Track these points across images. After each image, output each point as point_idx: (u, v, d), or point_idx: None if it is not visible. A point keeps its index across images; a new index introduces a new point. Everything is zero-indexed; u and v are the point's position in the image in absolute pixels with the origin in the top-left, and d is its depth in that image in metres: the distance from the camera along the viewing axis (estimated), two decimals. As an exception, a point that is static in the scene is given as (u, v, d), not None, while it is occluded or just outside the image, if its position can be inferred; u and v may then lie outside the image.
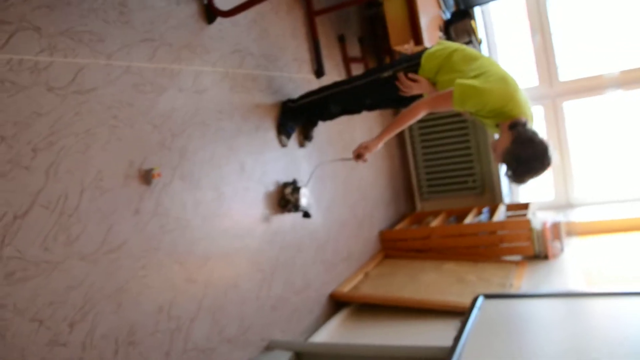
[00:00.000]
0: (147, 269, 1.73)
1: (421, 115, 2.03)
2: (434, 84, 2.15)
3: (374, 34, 3.88)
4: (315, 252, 2.80)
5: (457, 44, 2.15)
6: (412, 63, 2.21)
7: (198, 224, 1.99)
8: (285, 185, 2.50)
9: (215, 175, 2.12)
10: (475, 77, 1.92)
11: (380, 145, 2.19)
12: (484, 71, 1.92)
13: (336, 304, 2.91)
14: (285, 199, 2.46)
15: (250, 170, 2.35)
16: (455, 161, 4.16)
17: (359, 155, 2.24)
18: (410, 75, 2.18)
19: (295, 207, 2.46)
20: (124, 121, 1.71)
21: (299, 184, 2.54)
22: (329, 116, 2.65)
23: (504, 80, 1.86)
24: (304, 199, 2.48)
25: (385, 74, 2.27)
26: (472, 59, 2.03)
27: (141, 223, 1.73)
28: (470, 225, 3.41)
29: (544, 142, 1.79)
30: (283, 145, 2.60)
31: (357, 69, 3.59)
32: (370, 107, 2.55)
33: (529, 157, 1.77)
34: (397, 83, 2.22)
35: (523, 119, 1.84)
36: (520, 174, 1.80)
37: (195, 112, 2.05)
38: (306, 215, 2.54)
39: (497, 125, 1.91)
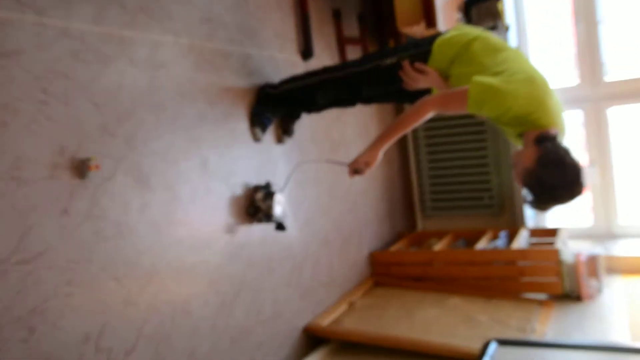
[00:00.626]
0: (74, 285, 1.68)
1: (428, 116, 2.00)
2: (445, 77, 2.13)
3: (377, 12, 3.87)
4: (289, 274, 2.78)
5: (479, 30, 2.13)
6: (422, 50, 2.19)
7: (143, 232, 1.95)
8: (257, 189, 2.46)
9: (170, 172, 2.08)
10: (497, 74, 1.89)
11: (381, 155, 2.14)
12: (508, 67, 1.89)
13: (312, 339, 2.89)
14: (254, 205, 2.42)
15: (214, 167, 2.31)
16: (467, 172, 4.16)
17: (356, 171, 2.19)
18: (417, 65, 2.16)
19: (267, 216, 2.43)
20: (56, 96, 1.66)
21: (273, 188, 2.49)
22: (315, 108, 2.63)
23: (533, 81, 1.83)
24: (279, 207, 2.44)
25: (388, 62, 2.25)
26: (495, 50, 2.01)
27: (70, 227, 1.68)
28: (483, 251, 3.40)
29: (577, 164, 1.77)
30: (256, 139, 2.56)
31: (353, 53, 3.57)
32: (367, 100, 2.52)
33: (555, 183, 1.75)
34: (400, 73, 2.19)
35: (553, 131, 1.81)
36: (542, 202, 1.80)
37: (149, 92, 2.01)
38: (280, 227, 2.50)
39: (520, 135, 1.89)
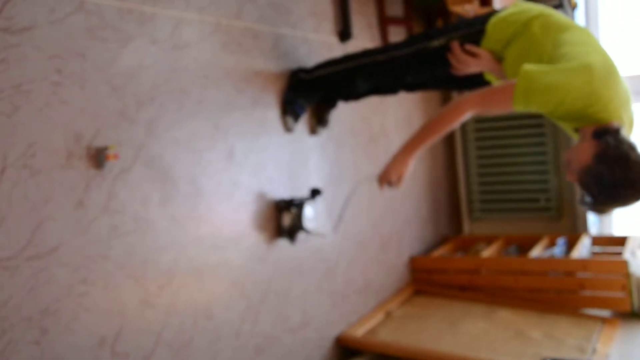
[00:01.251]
0: (89, 284, 1.71)
1: (466, 116, 1.94)
2: (499, 60, 2.09)
3: (424, -11, 3.84)
4: (321, 279, 2.78)
5: (541, 7, 2.09)
6: (474, 30, 2.16)
7: (164, 228, 1.97)
8: (280, 207, 2.48)
9: (193, 163, 2.09)
10: (555, 58, 1.84)
11: (412, 163, 2.11)
12: (568, 51, 1.83)
13: (344, 351, 2.90)
14: (282, 228, 2.49)
15: (242, 158, 2.33)
16: (522, 170, 4.11)
17: (387, 181, 2.14)
18: (468, 46, 2.13)
19: (299, 229, 2.48)
20: (71, 78, 1.69)
21: (300, 199, 2.50)
22: (354, 95, 2.62)
23: (590, 70, 1.74)
24: (310, 222, 2.46)
25: (436, 43, 2.23)
26: (558, 29, 1.95)
27: (85, 220, 1.71)
28: (538, 260, 3.37)
29: None
30: (288, 129, 2.57)
31: (396, 34, 3.55)
32: (411, 87, 2.51)
33: (617, 181, 1.69)
34: (449, 56, 2.17)
35: (616, 125, 1.76)
36: (601, 203, 1.75)
37: (172, 74, 2.03)
38: (290, 235, 2.52)
39: (577, 130, 1.84)
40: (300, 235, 2.57)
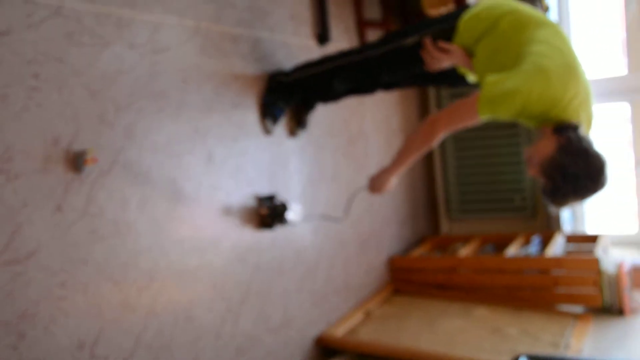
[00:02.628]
0: (68, 288, 1.69)
1: (439, 138, 2.02)
2: (470, 55, 2.12)
3: (401, -7, 3.85)
4: (301, 279, 2.78)
5: (512, 3, 2.10)
6: (446, 26, 2.17)
7: (143, 231, 1.95)
8: (261, 203, 2.49)
9: (172, 166, 2.09)
10: (521, 56, 1.88)
11: (393, 181, 2.27)
12: (535, 50, 1.87)
13: (325, 351, 2.90)
14: (264, 221, 2.50)
15: (221, 162, 2.32)
16: (498, 170, 4.14)
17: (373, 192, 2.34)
18: (440, 43, 2.15)
19: (282, 222, 2.50)
20: (49, 82, 1.67)
21: (281, 198, 2.53)
22: (332, 96, 2.63)
23: (547, 73, 1.79)
24: (293, 214, 2.49)
25: (409, 41, 2.25)
26: (527, 26, 1.97)
27: (63, 224, 1.69)
28: (513, 259, 3.40)
29: (602, 156, 1.78)
30: (267, 131, 2.56)
31: (374, 37, 3.55)
32: (388, 86, 2.53)
33: (580, 172, 1.75)
34: (422, 53, 2.19)
35: (574, 123, 1.83)
36: (563, 195, 1.79)
37: (151, 78, 2.02)
38: (266, 223, 2.50)
39: (538, 130, 1.92)
40: (280, 229, 2.58)
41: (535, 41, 1.90)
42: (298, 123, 2.77)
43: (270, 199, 2.48)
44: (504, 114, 1.85)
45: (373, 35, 3.54)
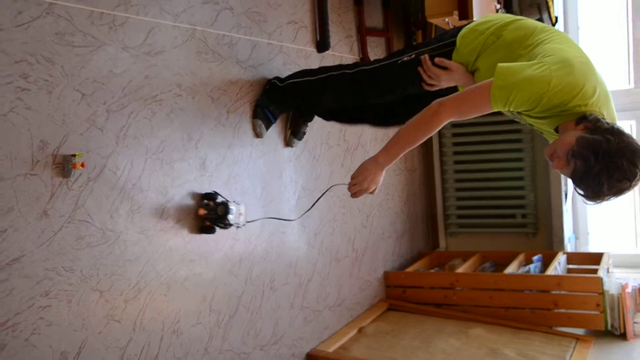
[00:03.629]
0: (51, 297, 1.68)
1: (443, 123, 1.90)
2: (472, 72, 2.10)
3: None
4: (292, 293, 2.78)
5: (512, 15, 2.10)
6: (445, 43, 2.15)
7: (132, 239, 1.95)
8: (205, 201, 2.23)
9: (164, 173, 2.08)
10: (529, 56, 1.84)
11: (383, 174, 2.07)
12: (543, 50, 1.82)
13: (316, 369, 2.86)
14: (202, 223, 2.24)
15: (214, 169, 2.32)
16: (499, 186, 4.14)
17: (361, 194, 2.13)
18: (438, 59, 2.11)
19: (223, 224, 2.23)
20: (39, 83, 1.67)
21: (222, 197, 2.28)
22: (318, 108, 2.62)
23: (570, 64, 1.73)
24: (234, 216, 2.21)
25: (405, 58, 2.22)
26: (533, 33, 1.93)
27: (49, 231, 1.68)
28: (513, 276, 3.39)
29: (637, 148, 1.66)
30: (257, 134, 2.55)
31: (375, 45, 3.56)
32: (378, 114, 2.50)
33: (612, 148, 1.62)
34: (420, 70, 2.16)
35: (597, 114, 1.74)
36: (596, 175, 1.63)
37: (144, 82, 2.01)
38: (210, 229, 2.24)
39: (557, 130, 1.83)
40: (272, 241, 2.55)
41: (545, 41, 1.86)
42: (294, 133, 2.76)
43: (210, 197, 2.24)
44: (518, 102, 1.75)
45: (375, 43, 3.55)
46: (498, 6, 2.92)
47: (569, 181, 1.89)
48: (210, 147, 2.30)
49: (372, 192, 2.11)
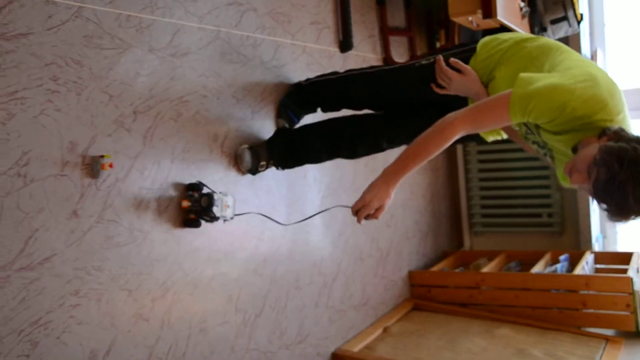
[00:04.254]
0: (81, 296, 1.71)
1: (457, 134, 1.77)
2: (487, 83, 2.03)
3: (427, -1, 3.86)
4: (317, 293, 2.78)
5: (534, 35, 2.07)
6: (465, 49, 2.12)
7: (159, 239, 1.97)
8: (189, 192, 2.07)
9: (190, 173, 2.10)
10: (549, 69, 1.79)
11: (393, 192, 1.89)
12: (565, 66, 1.77)
13: (341, 368, 2.87)
14: (187, 216, 2.09)
15: (238, 170, 2.33)
16: (524, 184, 4.11)
17: (364, 214, 1.89)
18: (453, 60, 2.05)
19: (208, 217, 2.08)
20: (68, 85, 1.69)
21: (208, 188, 2.13)
22: (338, 104, 2.56)
23: (594, 79, 1.66)
24: (219, 209, 2.06)
25: (424, 61, 2.20)
26: (556, 50, 1.89)
27: (79, 231, 1.71)
28: (540, 276, 3.36)
29: None
30: (280, 133, 2.55)
31: (398, 45, 3.56)
32: (388, 119, 2.39)
33: (638, 156, 1.49)
34: (436, 70, 2.10)
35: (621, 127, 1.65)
36: (620, 184, 1.49)
37: (170, 83, 2.03)
38: (195, 222, 2.09)
39: (574, 150, 1.71)
40: (297, 241, 2.56)
41: (568, 59, 1.80)
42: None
43: (195, 188, 2.09)
44: (539, 111, 1.65)
45: (397, 42, 3.55)
46: (522, 4, 2.90)
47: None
48: (236, 147, 2.32)
49: (376, 215, 1.90)
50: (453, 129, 1.76)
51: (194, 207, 2.03)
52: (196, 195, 2.04)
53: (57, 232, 1.65)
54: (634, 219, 1.56)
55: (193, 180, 2.09)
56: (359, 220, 1.89)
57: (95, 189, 1.76)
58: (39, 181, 1.60)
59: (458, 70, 2.05)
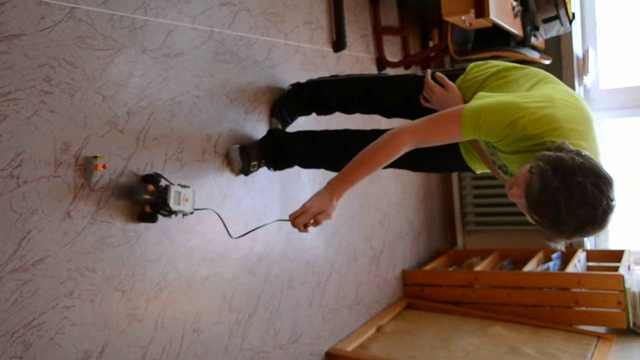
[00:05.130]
0: (75, 297, 1.70)
1: (404, 146, 1.73)
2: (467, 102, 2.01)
3: (420, -2, 3.86)
4: (311, 292, 2.78)
5: (534, 69, 2.07)
6: (456, 68, 2.17)
7: (153, 240, 1.96)
8: (140, 186, 1.90)
9: (183, 174, 2.09)
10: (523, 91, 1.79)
11: (337, 203, 1.82)
12: (534, 90, 1.76)
13: (335, 367, 2.88)
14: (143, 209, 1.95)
15: (232, 170, 2.33)
16: (517, 183, 4.10)
17: (303, 221, 1.81)
18: (438, 74, 2.09)
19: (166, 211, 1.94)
20: (62, 86, 1.69)
21: (166, 180, 2.00)
22: (333, 104, 2.56)
23: (552, 100, 1.61)
24: (175, 202, 1.93)
25: (419, 73, 2.24)
26: (542, 79, 1.87)
27: (72, 232, 1.70)
28: (532, 274, 3.37)
29: (607, 175, 1.45)
30: (274, 131, 2.55)
31: (391, 45, 3.56)
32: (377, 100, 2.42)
33: (578, 167, 1.41)
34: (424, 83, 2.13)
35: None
36: (559, 197, 1.41)
37: (163, 84, 2.03)
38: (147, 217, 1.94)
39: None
40: (290, 240, 2.56)
41: (546, 88, 1.77)
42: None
43: (151, 180, 1.93)
44: (489, 128, 1.61)
45: (390, 42, 3.55)
46: (514, 3, 2.90)
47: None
48: (229, 147, 2.31)
49: (318, 220, 1.81)
50: (401, 139, 1.73)
51: (150, 199, 1.89)
52: (151, 187, 1.89)
53: (50, 234, 1.64)
54: (568, 237, 1.47)
55: (186, 181, 2.09)
56: (299, 229, 1.81)
57: (89, 190, 1.75)
58: (32, 182, 1.60)
59: (442, 86, 2.07)
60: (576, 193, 1.40)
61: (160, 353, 1.97)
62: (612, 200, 1.43)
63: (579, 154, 1.46)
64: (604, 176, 1.44)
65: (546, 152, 1.49)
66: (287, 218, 1.85)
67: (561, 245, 1.54)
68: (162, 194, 1.89)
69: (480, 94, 1.76)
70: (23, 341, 1.56)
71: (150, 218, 1.92)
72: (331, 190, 1.81)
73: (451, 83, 2.07)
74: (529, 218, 1.56)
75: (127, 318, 1.86)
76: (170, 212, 1.91)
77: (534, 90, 1.78)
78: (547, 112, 1.59)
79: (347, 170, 1.80)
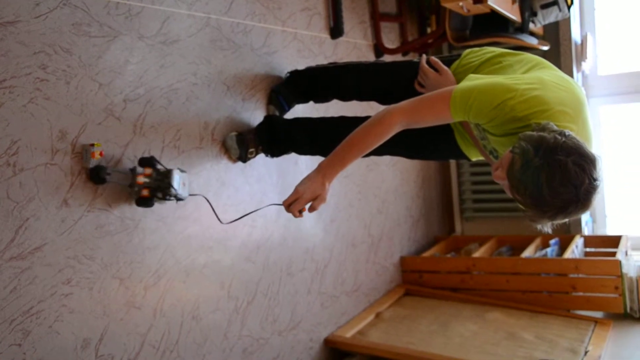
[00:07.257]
0: (73, 285, 1.70)
1: (394, 127, 1.73)
2: None
3: (417, -15, 3.84)
4: (310, 279, 2.79)
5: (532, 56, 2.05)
6: (452, 54, 2.17)
7: (151, 227, 1.96)
8: (138, 169, 1.85)
9: (181, 161, 2.09)
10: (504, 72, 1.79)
11: (329, 186, 1.80)
12: (527, 74, 1.75)
13: (334, 352, 2.90)
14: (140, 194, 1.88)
15: (229, 157, 2.32)
16: (515, 169, 4.09)
17: (298, 207, 1.80)
18: (432, 59, 2.08)
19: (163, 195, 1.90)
20: (57, 74, 1.68)
21: (161, 164, 1.95)
22: (333, 91, 2.55)
23: (543, 83, 1.61)
24: (180, 186, 1.92)
25: (416, 59, 2.23)
26: (536, 65, 1.86)
27: (70, 220, 1.70)
28: (530, 260, 3.38)
29: (590, 154, 1.43)
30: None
31: (389, 31, 3.54)
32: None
33: (560, 146, 1.40)
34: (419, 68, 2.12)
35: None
36: (540, 176, 1.40)
37: (160, 71, 2.02)
38: (144, 202, 1.88)
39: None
40: (290, 228, 2.56)
41: (541, 72, 1.76)
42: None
43: (148, 163, 1.88)
44: (478, 109, 1.61)
45: (388, 29, 3.53)
46: (512, -11, 2.89)
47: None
48: (226, 134, 2.31)
49: (314, 206, 1.80)
50: (390, 119, 1.72)
51: (149, 183, 1.84)
52: (149, 170, 1.85)
53: (47, 221, 1.64)
54: (552, 218, 1.47)
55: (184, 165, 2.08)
56: (294, 214, 1.81)
57: (86, 177, 1.75)
58: (28, 170, 1.59)
59: (437, 70, 2.07)
60: (557, 172, 1.40)
61: (159, 340, 1.98)
62: (595, 179, 1.42)
63: (562, 133, 1.45)
64: (587, 155, 1.42)
65: (529, 132, 1.48)
66: (282, 205, 1.83)
67: (547, 227, 1.55)
68: (164, 176, 1.86)
69: (471, 75, 1.76)
70: (22, 329, 1.56)
71: (148, 202, 1.86)
72: (323, 174, 1.79)
73: (445, 67, 2.06)
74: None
75: (125, 305, 1.86)
76: (164, 197, 1.86)
77: (531, 73, 1.77)
78: (537, 93, 1.58)
79: (337, 152, 1.79)
